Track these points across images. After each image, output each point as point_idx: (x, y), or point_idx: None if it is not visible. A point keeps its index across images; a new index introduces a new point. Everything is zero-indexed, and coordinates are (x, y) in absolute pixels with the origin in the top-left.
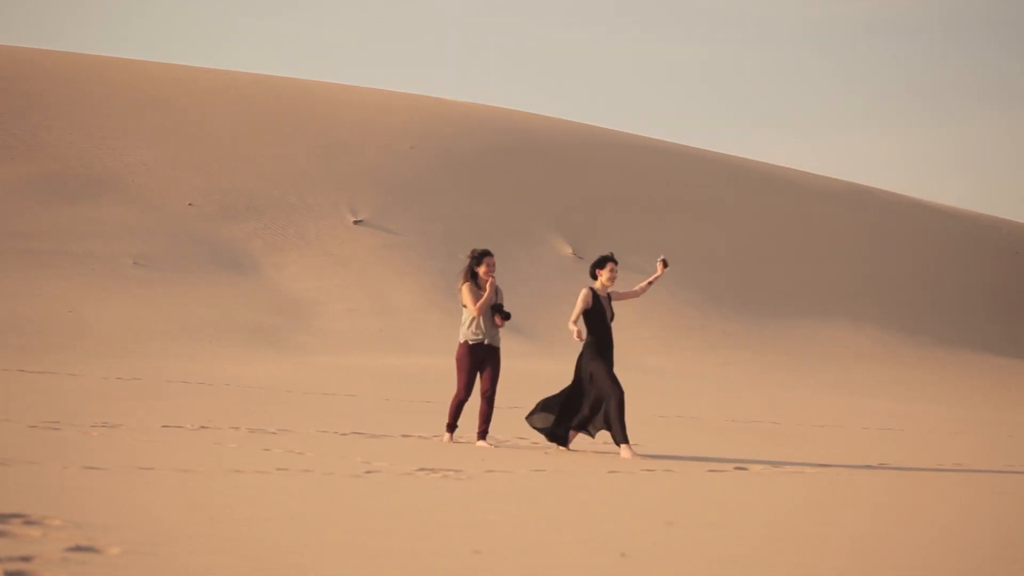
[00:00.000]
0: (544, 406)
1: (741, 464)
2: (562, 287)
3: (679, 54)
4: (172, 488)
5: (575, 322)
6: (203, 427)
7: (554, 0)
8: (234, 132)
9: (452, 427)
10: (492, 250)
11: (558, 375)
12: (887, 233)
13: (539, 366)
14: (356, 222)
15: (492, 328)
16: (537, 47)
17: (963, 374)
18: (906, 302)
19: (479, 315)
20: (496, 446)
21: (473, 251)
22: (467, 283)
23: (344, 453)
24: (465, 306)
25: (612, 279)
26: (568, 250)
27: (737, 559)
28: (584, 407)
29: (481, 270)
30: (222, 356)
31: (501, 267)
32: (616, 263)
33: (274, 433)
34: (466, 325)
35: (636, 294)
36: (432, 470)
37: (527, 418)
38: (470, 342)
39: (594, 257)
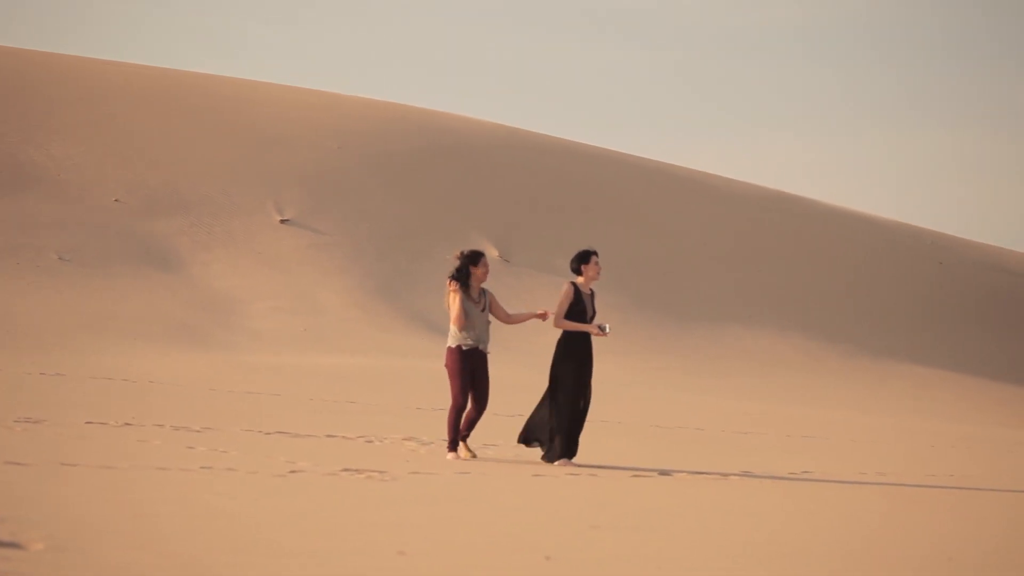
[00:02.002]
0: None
1: (665, 469)
2: (489, 289)
3: (608, 58)
4: (95, 485)
5: (561, 319)
6: (127, 424)
7: (484, 2)
8: (162, 128)
9: (455, 442)
10: (418, 251)
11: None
12: (813, 241)
13: None
14: (283, 221)
15: (484, 333)
16: (467, 49)
17: (886, 383)
18: (830, 310)
19: (459, 327)
20: (475, 456)
21: (467, 252)
22: (457, 288)
23: (268, 452)
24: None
25: (598, 274)
26: (495, 252)
27: (661, 563)
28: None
29: (479, 272)
30: (147, 353)
31: (427, 268)
32: (598, 256)
33: (198, 431)
34: (456, 329)
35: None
36: (356, 470)
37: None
38: (463, 347)
39: (522, 260)
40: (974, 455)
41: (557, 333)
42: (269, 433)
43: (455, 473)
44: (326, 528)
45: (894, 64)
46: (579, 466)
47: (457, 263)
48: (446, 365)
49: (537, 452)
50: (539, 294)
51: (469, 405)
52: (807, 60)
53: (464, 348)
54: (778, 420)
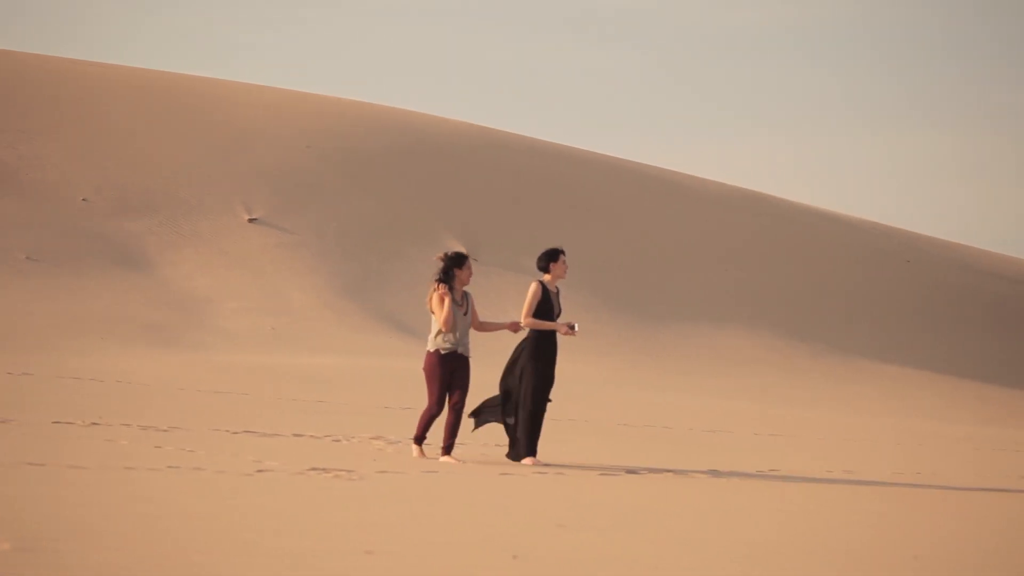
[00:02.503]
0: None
1: (632, 468)
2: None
3: (579, 58)
4: (63, 484)
5: (530, 317)
6: (94, 424)
7: (452, 2)
8: (130, 128)
9: (420, 439)
10: (386, 250)
11: None
12: (782, 240)
13: None
14: (251, 220)
15: (465, 336)
16: (435, 48)
17: (854, 381)
18: (800, 309)
19: (447, 329)
20: (463, 462)
21: (451, 254)
22: (442, 289)
23: (236, 452)
24: (433, 313)
25: (565, 272)
26: (463, 251)
27: (628, 562)
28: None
29: (463, 274)
30: (115, 352)
31: (396, 267)
32: (565, 255)
33: (166, 431)
34: (435, 333)
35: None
36: (324, 470)
37: (477, 422)
38: (442, 351)
39: (491, 259)
40: (942, 452)
41: (522, 332)
42: (236, 432)
43: (422, 472)
44: (293, 527)
45: (865, 66)
46: (546, 465)
47: (441, 264)
48: (424, 369)
49: (502, 451)
50: (508, 293)
51: (446, 411)
52: (779, 61)
53: (443, 352)
54: (746, 418)
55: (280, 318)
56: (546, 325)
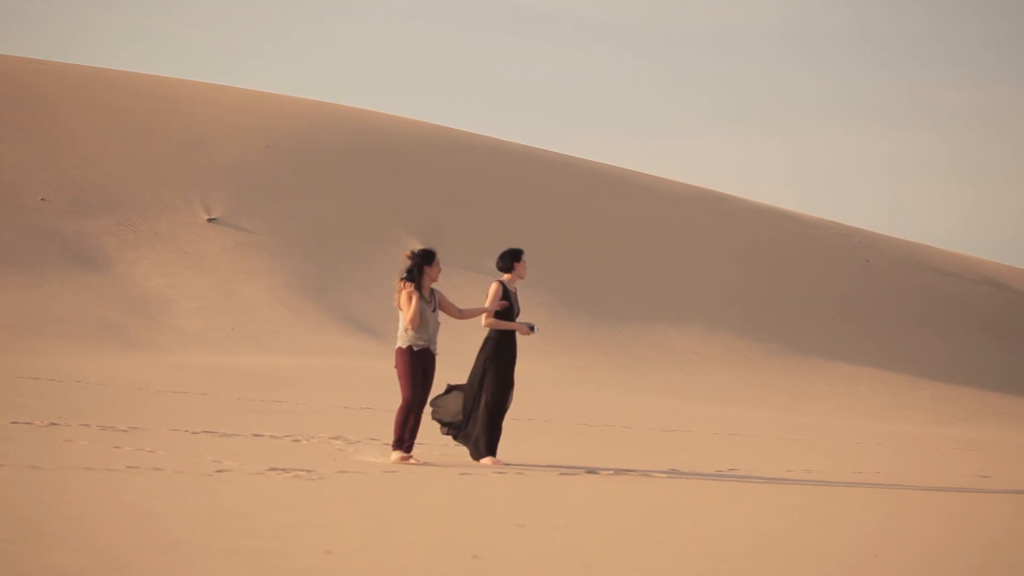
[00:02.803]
0: (451, 403)
1: (592, 468)
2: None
3: (533, 57)
4: (22, 485)
5: (491, 317)
6: (53, 424)
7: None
8: (88, 127)
9: (402, 441)
10: (345, 250)
11: None
12: (740, 239)
13: (388, 366)
14: (210, 220)
15: (436, 333)
16: (393, 48)
17: (813, 381)
18: (757, 308)
19: (414, 327)
20: (422, 464)
21: (419, 251)
22: (410, 287)
23: (195, 452)
24: (401, 311)
25: (526, 273)
26: (431, 248)
27: (587, 562)
28: (463, 410)
29: (433, 271)
30: (73, 352)
31: (354, 267)
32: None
33: (125, 431)
34: (406, 329)
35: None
36: (283, 470)
37: (435, 415)
38: (415, 348)
39: (449, 258)
40: (901, 452)
41: (482, 332)
42: (196, 432)
43: (382, 472)
44: (253, 528)
45: (822, 63)
46: (507, 464)
47: (408, 263)
48: (396, 367)
49: (462, 451)
50: (466, 292)
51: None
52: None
53: (416, 349)
54: (705, 418)
55: (239, 318)
56: (507, 325)
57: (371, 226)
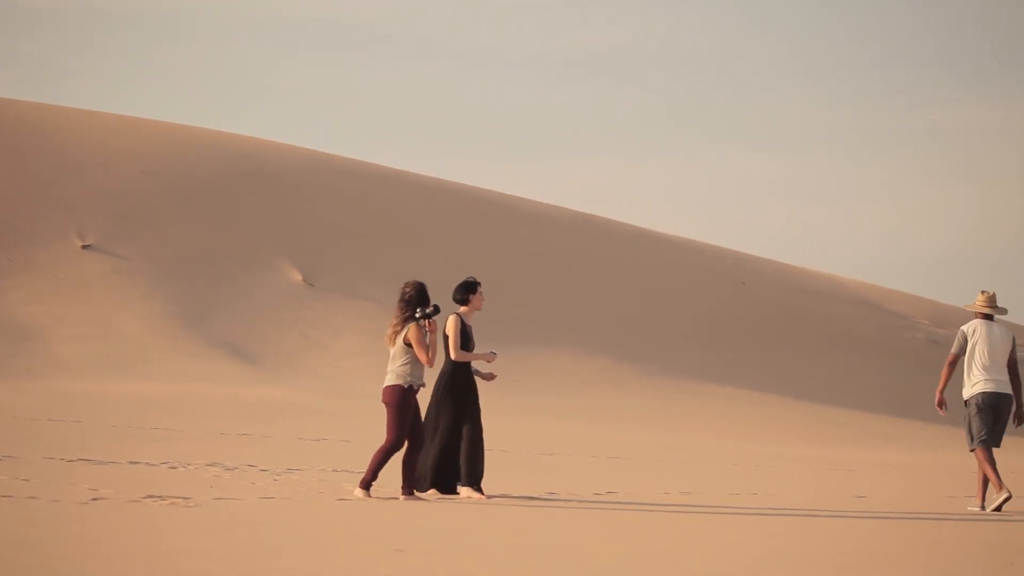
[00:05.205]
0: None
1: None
2: (292, 314)
3: (411, 82)
4: None
5: (458, 350)
6: None
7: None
8: None
9: (371, 483)
10: (221, 276)
11: (285, 402)
12: (613, 262)
13: (266, 392)
14: (84, 247)
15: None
16: (269, 73)
17: (689, 402)
18: (632, 331)
19: (431, 365)
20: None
21: (416, 284)
22: (430, 325)
23: (71, 480)
24: (409, 346)
25: (482, 304)
26: (299, 277)
27: None
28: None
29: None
30: None
31: (231, 293)
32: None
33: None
34: (402, 365)
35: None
36: (160, 497)
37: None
38: (414, 387)
39: (327, 284)
40: (778, 474)
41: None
42: (71, 460)
43: (259, 498)
44: (129, 556)
45: (694, 84)
46: (489, 497)
47: (409, 295)
48: (388, 402)
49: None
50: (344, 319)
51: (405, 445)
52: (609, 82)
53: (414, 388)
54: (583, 441)
55: (115, 345)
56: (474, 357)
57: (247, 252)
